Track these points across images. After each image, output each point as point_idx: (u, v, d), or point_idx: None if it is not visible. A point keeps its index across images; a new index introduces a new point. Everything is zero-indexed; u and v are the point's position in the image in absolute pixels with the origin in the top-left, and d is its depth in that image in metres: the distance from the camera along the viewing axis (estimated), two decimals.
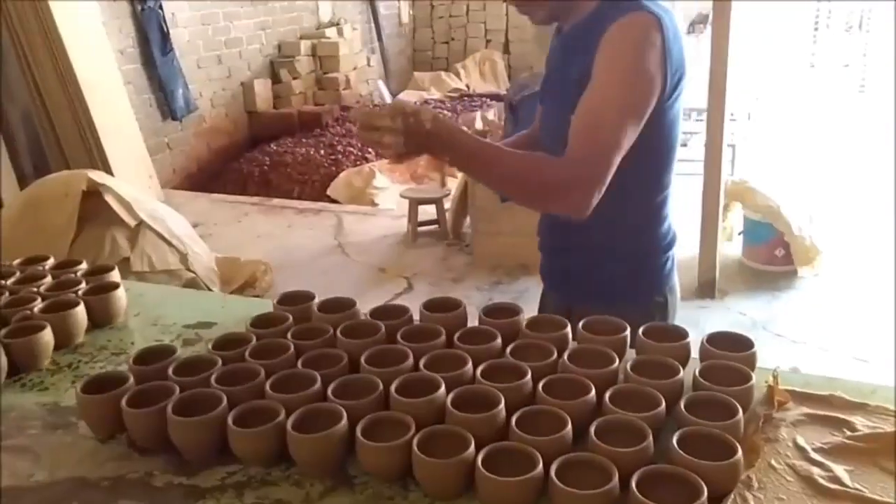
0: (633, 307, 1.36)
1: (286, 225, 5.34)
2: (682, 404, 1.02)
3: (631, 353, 1.21)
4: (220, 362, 1.18)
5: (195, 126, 6.85)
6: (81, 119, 5.01)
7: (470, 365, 1.14)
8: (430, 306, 1.33)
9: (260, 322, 1.32)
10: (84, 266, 1.62)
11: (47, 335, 1.33)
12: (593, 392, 1.06)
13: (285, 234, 5.17)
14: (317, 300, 1.41)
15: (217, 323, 1.47)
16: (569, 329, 1.26)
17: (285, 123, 7.47)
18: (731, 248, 4.18)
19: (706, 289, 3.73)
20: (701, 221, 3.65)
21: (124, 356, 1.36)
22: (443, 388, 1.07)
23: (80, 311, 1.41)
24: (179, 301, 1.60)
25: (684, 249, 4.27)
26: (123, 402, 1.07)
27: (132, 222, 3.68)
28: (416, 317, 1.33)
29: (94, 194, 3.64)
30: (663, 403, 1.02)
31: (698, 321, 3.51)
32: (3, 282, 1.52)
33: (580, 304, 1.38)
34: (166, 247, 3.83)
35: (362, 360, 1.16)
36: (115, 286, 1.50)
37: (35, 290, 1.48)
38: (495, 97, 7.84)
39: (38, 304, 1.41)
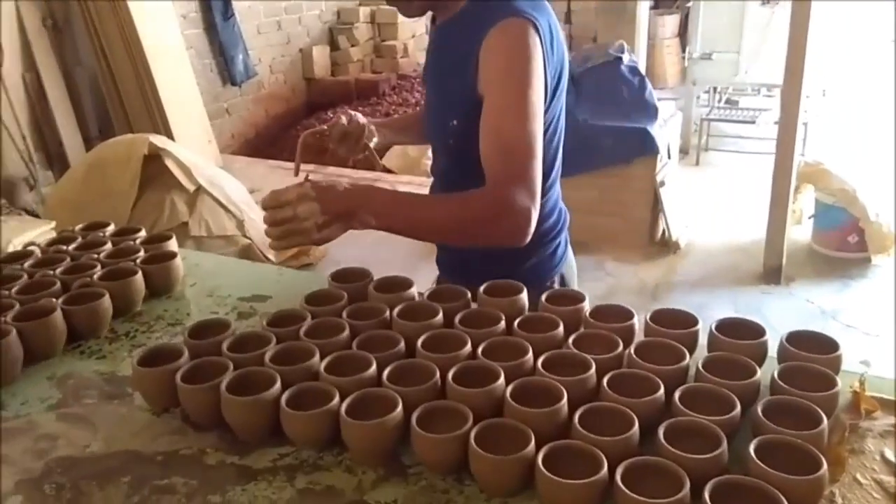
0: (531, 292, 1.30)
1: None
2: (759, 409, 0.95)
3: (702, 350, 1.14)
4: (274, 340, 1.16)
5: (254, 92, 6.90)
6: (145, 83, 5.08)
7: (531, 355, 1.09)
8: (490, 290, 1.28)
9: (315, 299, 1.30)
10: (143, 234, 1.62)
11: (106, 303, 1.33)
12: (662, 390, 1.00)
13: None
14: (373, 279, 1.37)
15: (272, 297, 1.45)
16: (636, 320, 1.19)
17: (342, 91, 7.45)
18: (799, 232, 4.01)
19: (771, 274, 3.58)
20: (770, 203, 3.50)
21: (180, 327, 1.36)
22: (502, 379, 1.02)
23: (139, 280, 1.40)
24: (235, 272, 1.59)
25: (749, 232, 4.16)
26: (178, 377, 1.06)
27: (191, 187, 3.72)
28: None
29: (155, 158, 3.68)
30: (738, 407, 0.96)
31: (760, 308, 3.39)
32: (64, 247, 1.53)
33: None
34: (223, 212, 3.86)
35: (418, 344, 1.12)
36: (173, 255, 1.49)
37: (95, 256, 1.48)
38: None
39: (98, 272, 1.41)
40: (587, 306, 1.25)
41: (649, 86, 3.98)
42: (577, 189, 4.04)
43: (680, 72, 7.74)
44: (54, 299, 1.31)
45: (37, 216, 4.17)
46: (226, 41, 6.33)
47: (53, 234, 3.25)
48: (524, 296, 1.27)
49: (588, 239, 4.15)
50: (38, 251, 1.53)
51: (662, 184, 3.91)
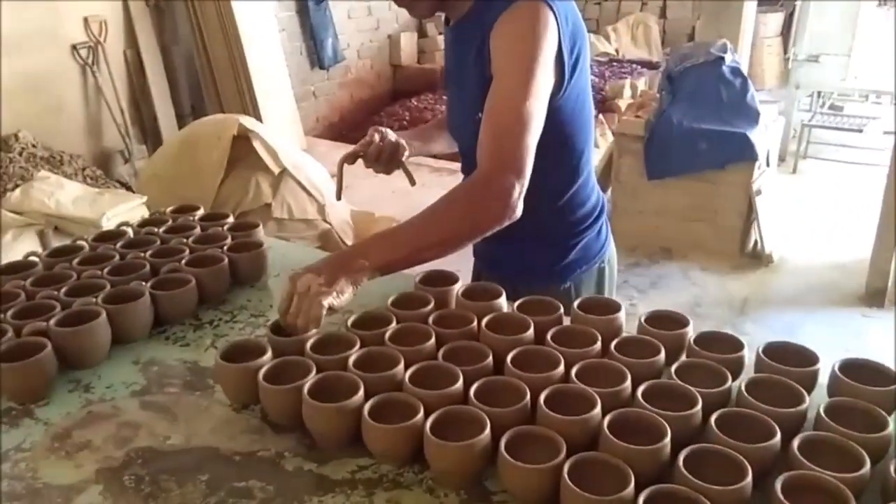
0: (576, 283, 1.45)
1: (420, 183, 5.29)
2: (892, 468, 0.85)
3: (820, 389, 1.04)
4: (358, 343, 1.12)
5: (341, 76, 6.96)
6: (238, 63, 5.19)
7: (629, 382, 1.01)
8: (585, 306, 1.20)
9: (401, 302, 1.25)
10: (231, 220, 1.61)
11: (192, 290, 1.32)
12: (778, 437, 0.90)
13: (418, 192, 5.07)
14: (459, 285, 1.31)
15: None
16: (745, 351, 1.10)
17: (428, 79, 7.42)
18: None
19: (874, 297, 3.35)
20: (879, 220, 3.26)
21: (263, 319, 1.34)
22: (598, 408, 0.95)
23: (225, 269, 1.39)
24: None
25: (850, 249, 3.90)
26: (260, 375, 1.03)
27: (276, 169, 3.76)
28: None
29: (243, 139, 3.74)
30: (867, 464, 0.86)
31: (860, 332, 3.17)
32: (155, 229, 1.53)
33: (520, 284, 1.39)
34: (306, 196, 3.90)
35: (508, 360, 1.06)
36: (260, 245, 1.47)
37: (184, 241, 1.48)
38: (647, 65, 7.40)
39: (186, 256, 1.41)
40: (691, 331, 1.16)
41: (752, 88, 3.78)
42: (666, 193, 3.89)
43: (781, 73, 7.35)
44: (143, 283, 1.31)
45: (130, 189, 4.32)
46: (316, 25, 6.39)
47: (145, 210, 3.35)
48: (622, 315, 1.19)
49: (674, 245, 3.98)
50: (130, 232, 1.55)
51: (759, 192, 3.71)
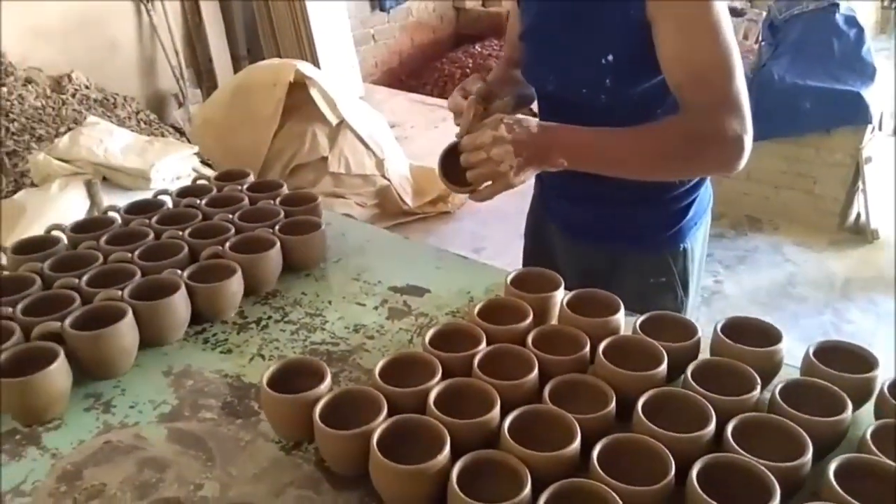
0: (691, 243, 1.29)
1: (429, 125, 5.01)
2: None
3: None
4: (440, 369, 0.88)
5: (402, 19, 6.61)
6: (296, 3, 4.91)
7: (713, 424, 0.76)
8: (736, 332, 0.93)
9: (490, 311, 1.00)
10: (285, 190, 1.38)
11: (238, 283, 1.10)
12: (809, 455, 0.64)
13: None
14: (564, 287, 1.05)
15: (430, 291, 1.17)
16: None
17: (493, 23, 7.01)
18: None
19: None
20: None
21: (319, 319, 1.11)
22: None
23: (276, 256, 1.16)
24: (386, 251, 1.31)
25: None
26: (316, 413, 0.80)
27: (334, 120, 3.52)
28: None
29: (299, 86, 3.49)
30: None
31: None
32: (198, 201, 1.31)
33: (622, 254, 1.29)
34: (364, 150, 3.65)
35: (638, 407, 0.80)
36: (317, 226, 1.23)
37: (230, 217, 1.25)
38: (737, 13, 6.80)
39: (231, 237, 1.18)
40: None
41: (868, 41, 3.32)
42: (758, 155, 3.48)
43: (876, 23, 6.69)
44: (179, 272, 1.09)
45: (183, 134, 4.14)
46: None
47: (196, 160, 3.16)
48: (782, 345, 0.91)
49: (765, 215, 3.62)
50: (169, 202, 1.33)
51: (869, 159, 3.29)
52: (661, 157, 1.07)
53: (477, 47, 6.56)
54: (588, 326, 0.95)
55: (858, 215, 3.49)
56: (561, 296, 1.03)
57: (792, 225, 3.53)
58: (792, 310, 2.96)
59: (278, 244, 1.16)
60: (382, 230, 1.46)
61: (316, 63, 4.77)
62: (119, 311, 0.98)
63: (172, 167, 2.88)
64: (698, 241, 1.32)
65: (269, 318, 1.12)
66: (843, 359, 0.89)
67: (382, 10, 6.33)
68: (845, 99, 3.21)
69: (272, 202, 1.31)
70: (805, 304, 2.98)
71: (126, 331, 0.97)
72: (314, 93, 3.47)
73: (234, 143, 3.57)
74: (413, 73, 6.67)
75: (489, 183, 1.05)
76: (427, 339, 0.94)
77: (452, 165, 1.09)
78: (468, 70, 6.22)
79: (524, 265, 1.51)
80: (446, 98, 5.83)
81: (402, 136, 4.70)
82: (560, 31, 1.17)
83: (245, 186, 1.38)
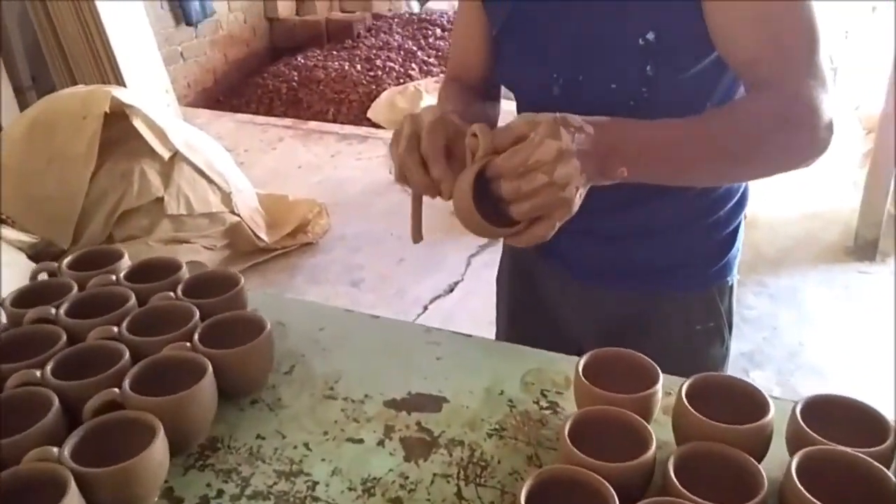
0: (698, 293, 1.01)
1: (329, 154, 4.61)
2: None
3: None
4: None
5: (211, 33, 6.01)
6: (89, 20, 4.19)
7: None
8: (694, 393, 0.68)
9: (582, 431, 0.67)
10: (185, 272, 0.94)
11: (160, 450, 0.67)
12: None
13: (330, 164, 4.44)
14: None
15: (447, 399, 0.81)
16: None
17: (311, 33, 6.61)
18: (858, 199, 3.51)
19: (865, 250, 3.09)
20: (871, 163, 2.98)
21: (302, 480, 0.71)
22: None
23: (208, 387, 0.74)
24: (350, 340, 0.93)
25: (822, 199, 3.67)
26: None
27: (166, 154, 2.97)
28: None
29: (118, 117, 2.90)
30: None
31: (865, 292, 2.89)
32: (52, 311, 0.84)
33: (652, 295, 1.00)
34: (206, 184, 3.13)
35: None
36: (260, 326, 0.82)
37: (115, 332, 0.81)
38: None
39: (129, 370, 0.75)
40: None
41: None
42: None
43: None
44: (54, 449, 0.64)
45: None
46: None
47: None
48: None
49: None
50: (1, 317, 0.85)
51: None
52: (750, 149, 0.79)
53: (300, 59, 6.12)
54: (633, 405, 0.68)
55: None
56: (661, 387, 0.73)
57: None
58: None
59: (209, 368, 0.75)
60: (327, 307, 1.06)
61: (122, 86, 4.11)
62: None
63: None
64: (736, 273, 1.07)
65: (220, 493, 0.70)
66: (842, 418, 0.67)
67: (189, 23, 5.70)
68: None
69: (174, 295, 0.87)
70: None
71: None
72: (138, 123, 2.90)
73: (38, 192, 2.90)
74: (231, 91, 6.09)
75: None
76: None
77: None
78: (295, 83, 5.77)
79: (502, 324, 1.19)
80: (275, 115, 5.35)
81: (237, 162, 4.16)
82: (569, 10, 0.86)
83: (122, 274, 0.92)
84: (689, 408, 0.66)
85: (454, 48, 1.11)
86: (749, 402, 0.68)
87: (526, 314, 1.13)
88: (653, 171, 0.79)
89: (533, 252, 1.05)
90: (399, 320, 0.98)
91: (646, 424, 0.66)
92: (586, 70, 0.87)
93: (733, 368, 2.54)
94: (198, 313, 0.83)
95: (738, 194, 1.00)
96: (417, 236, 0.84)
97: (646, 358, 0.75)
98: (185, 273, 0.91)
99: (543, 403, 0.79)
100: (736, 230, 1.01)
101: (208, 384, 0.74)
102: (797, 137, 0.80)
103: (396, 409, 0.79)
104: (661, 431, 0.68)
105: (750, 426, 0.64)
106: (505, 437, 0.75)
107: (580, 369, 0.73)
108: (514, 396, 0.80)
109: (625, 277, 1.00)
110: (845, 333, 2.66)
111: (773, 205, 3.59)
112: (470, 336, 0.91)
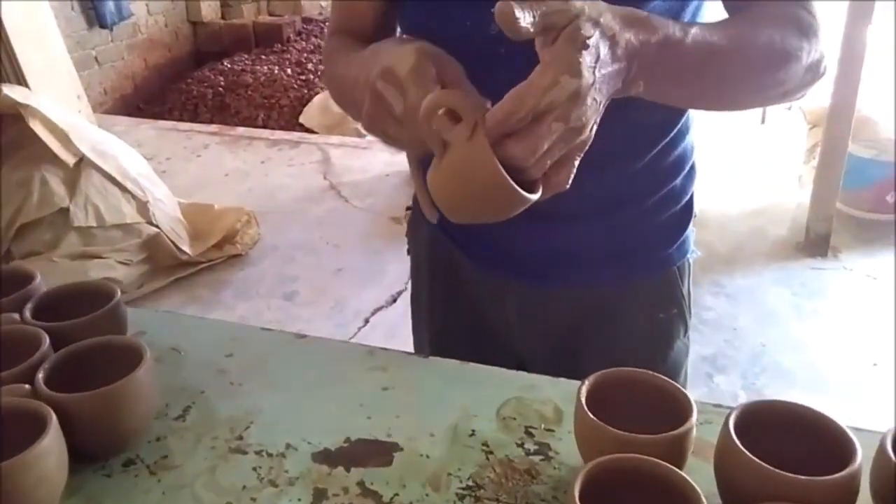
0: (659, 276, 0.84)
1: (259, 161, 4.33)
2: None
3: None
4: None
5: (128, 37, 5.64)
6: None
7: None
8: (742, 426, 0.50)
9: (596, 488, 0.47)
10: (40, 283, 0.70)
11: None
12: None
13: (260, 172, 4.17)
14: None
15: (400, 447, 0.60)
16: None
17: (238, 37, 6.30)
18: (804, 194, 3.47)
19: (817, 245, 3.02)
20: (820, 157, 2.91)
21: None
22: None
23: (55, 445, 0.51)
24: (259, 362, 0.70)
25: (763, 194, 3.62)
26: None
27: (71, 159, 2.66)
28: None
29: (13, 119, 2.59)
30: None
31: (822, 288, 2.81)
32: None
33: (609, 286, 0.84)
34: (119, 193, 2.83)
35: None
36: (138, 354, 0.59)
37: None
38: None
39: None
40: None
41: None
42: None
43: None
44: None
45: None
46: None
47: None
48: None
49: None
50: None
51: None
52: (783, 60, 0.66)
53: (226, 64, 5.81)
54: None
55: None
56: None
57: None
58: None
59: (53, 420, 0.51)
60: (238, 326, 0.82)
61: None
62: None
63: None
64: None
65: None
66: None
67: (103, 26, 5.32)
68: None
69: (20, 317, 0.63)
70: None
71: None
72: (36, 125, 2.58)
73: None
74: (153, 98, 5.73)
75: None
76: None
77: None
78: (221, 88, 5.46)
79: (422, 343, 0.97)
80: (200, 122, 5.05)
81: (159, 171, 3.85)
82: None
83: None
84: (745, 450, 0.47)
85: None
86: (813, 433, 0.49)
87: (454, 331, 0.93)
88: (672, 90, 0.64)
89: (449, 250, 0.88)
90: (332, 340, 0.76)
91: (686, 478, 0.46)
92: None
93: (696, 374, 2.44)
94: (47, 341, 0.59)
95: (690, 162, 0.85)
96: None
97: (668, 380, 0.56)
98: (38, 286, 0.67)
99: (530, 446, 0.58)
100: (691, 200, 0.86)
101: (51, 444, 0.51)
102: (813, 49, 0.68)
103: (330, 465, 0.57)
104: (698, 479, 0.48)
105: (837, 477, 0.45)
106: (482, 498, 0.54)
107: (583, 399, 0.52)
108: (491, 438, 0.60)
109: (576, 270, 0.83)
110: (807, 332, 2.56)
111: (719, 202, 3.52)
112: (426, 357, 0.70)
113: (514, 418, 0.62)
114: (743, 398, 2.27)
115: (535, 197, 0.54)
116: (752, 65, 0.65)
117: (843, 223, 3.31)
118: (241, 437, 0.61)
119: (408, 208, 0.96)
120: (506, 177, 0.51)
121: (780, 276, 2.92)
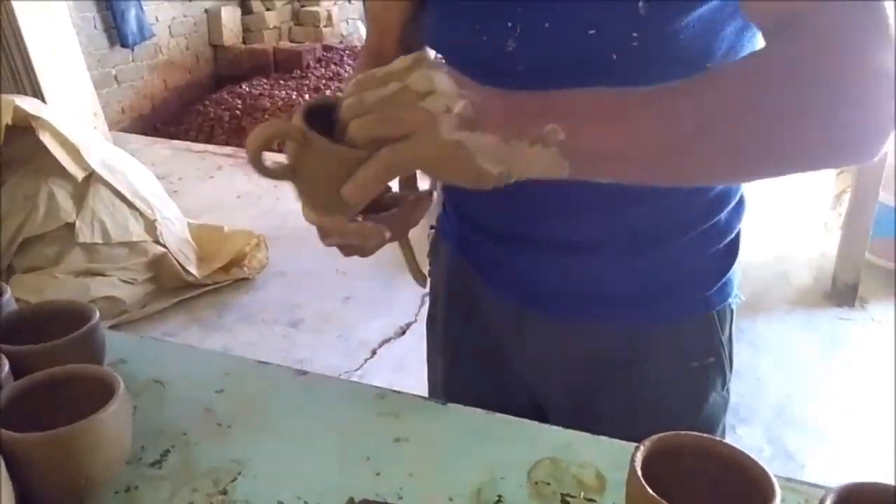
0: (695, 320, 0.75)
1: (272, 184, 4.27)
2: None
3: None
4: None
5: (149, 57, 5.66)
6: (8, 32, 3.81)
7: None
8: None
9: None
10: (9, 298, 0.62)
11: None
12: None
13: (272, 195, 4.11)
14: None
15: None
16: None
17: (258, 62, 6.32)
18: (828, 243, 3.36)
19: (844, 295, 2.91)
20: (850, 206, 2.81)
21: None
22: None
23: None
24: (248, 403, 0.62)
25: (791, 241, 3.52)
26: None
27: (80, 174, 2.60)
28: None
29: (23, 131, 2.54)
30: None
31: (846, 341, 2.69)
32: None
33: (637, 324, 0.75)
34: (127, 210, 2.77)
35: None
36: (111, 387, 0.51)
37: None
38: None
39: None
40: None
41: None
42: None
43: None
44: None
45: None
46: None
47: None
48: None
49: None
50: None
51: None
52: (763, 119, 0.49)
53: (245, 87, 5.81)
54: None
55: None
56: None
57: None
58: None
59: (2, 468, 0.42)
60: (232, 358, 0.73)
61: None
62: None
63: None
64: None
65: None
66: None
67: (124, 45, 5.34)
68: None
69: None
70: None
71: None
72: (46, 138, 2.53)
73: None
74: (171, 119, 5.73)
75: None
76: None
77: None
78: (239, 111, 5.45)
79: (435, 382, 0.92)
80: (216, 144, 5.05)
81: (170, 191, 3.80)
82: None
83: None
84: None
85: (371, 8, 0.85)
86: None
87: (469, 368, 0.86)
88: (601, 153, 0.50)
89: (468, 278, 0.81)
90: (338, 379, 0.67)
91: None
92: (556, 17, 0.59)
93: None
94: (6, 367, 0.51)
95: (738, 194, 0.77)
96: (420, 276, 0.64)
97: (740, 450, 0.46)
98: (7, 303, 0.59)
99: None
100: (737, 237, 0.77)
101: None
102: (843, 101, 0.49)
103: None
104: None
105: None
106: None
107: (638, 468, 0.43)
108: None
109: (599, 305, 0.74)
110: (834, 384, 2.44)
111: (743, 247, 3.42)
112: (445, 404, 0.61)
113: (548, 483, 0.52)
114: (767, 452, 2.14)
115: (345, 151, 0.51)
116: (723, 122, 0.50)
117: (870, 273, 3.20)
118: (224, 492, 0.51)
119: (431, 227, 0.89)
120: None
121: (806, 324, 2.80)
